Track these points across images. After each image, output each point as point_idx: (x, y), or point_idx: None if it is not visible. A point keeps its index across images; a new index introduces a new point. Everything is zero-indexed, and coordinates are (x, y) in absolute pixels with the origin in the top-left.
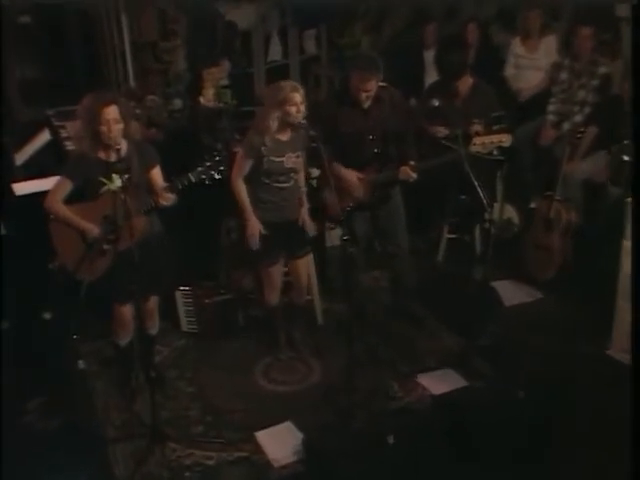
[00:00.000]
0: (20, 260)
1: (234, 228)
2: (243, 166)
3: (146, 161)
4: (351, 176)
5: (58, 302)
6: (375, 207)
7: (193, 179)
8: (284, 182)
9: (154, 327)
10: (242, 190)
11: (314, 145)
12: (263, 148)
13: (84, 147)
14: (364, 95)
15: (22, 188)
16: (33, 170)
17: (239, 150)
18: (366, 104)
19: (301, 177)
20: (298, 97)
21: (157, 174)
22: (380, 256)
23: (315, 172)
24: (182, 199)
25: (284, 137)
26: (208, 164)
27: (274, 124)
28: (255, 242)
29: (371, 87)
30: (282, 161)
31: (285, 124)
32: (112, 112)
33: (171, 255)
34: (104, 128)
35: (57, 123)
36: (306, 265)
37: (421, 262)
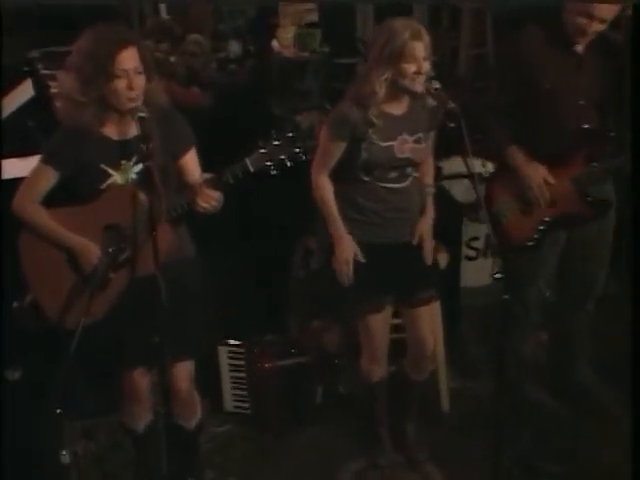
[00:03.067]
0: None
1: (313, 252)
2: (330, 153)
3: (177, 140)
4: (539, 173)
5: (32, 357)
6: (577, 224)
7: (252, 168)
8: (395, 181)
9: (190, 414)
10: (328, 192)
11: (451, 125)
12: (363, 126)
13: (80, 116)
14: (590, 28)
15: None
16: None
17: (324, 128)
18: (582, 45)
19: (424, 174)
20: (421, 48)
21: (193, 161)
22: (555, 308)
23: (450, 166)
24: (232, 201)
25: (397, 110)
26: (276, 143)
27: (381, 90)
28: (347, 274)
29: (606, 13)
30: (392, 147)
31: (399, 90)
32: (131, 58)
33: (212, 291)
34: (117, 85)
35: (45, 71)
36: (429, 317)
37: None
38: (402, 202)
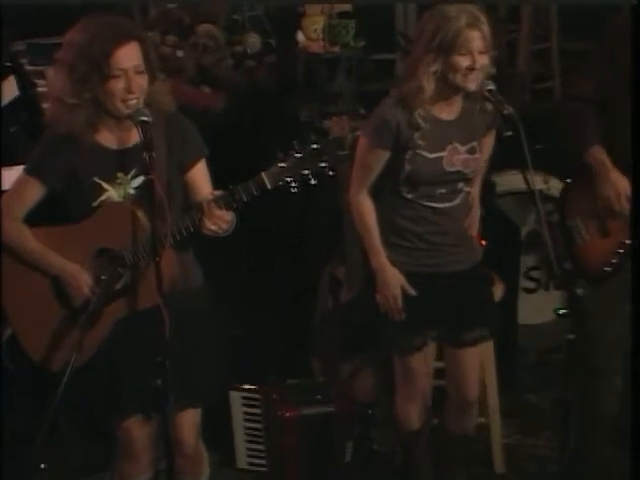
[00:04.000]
0: None
1: (343, 281)
2: (370, 166)
3: (185, 150)
4: (622, 183)
5: (12, 401)
6: None
7: (269, 184)
8: (444, 199)
9: (196, 471)
10: (368, 214)
11: (508, 134)
12: (408, 130)
13: (71, 120)
14: None
15: None
16: None
17: (362, 136)
18: None
19: (476, 191)
20: (478, 38)
21: (202, 175)
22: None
23: (506, 181)
24: (246, 222)
25: (448, 114)
26: (298, 156)
27: (429, 87)
28: (397, 310)
29: None
30: (441, 159)
31: (450, 88)
32: (130, 56)
33: (223, 326)
34: (113, 86)
35: (31, 67)
36: (476, 360)
37: None
38: (451, 224)
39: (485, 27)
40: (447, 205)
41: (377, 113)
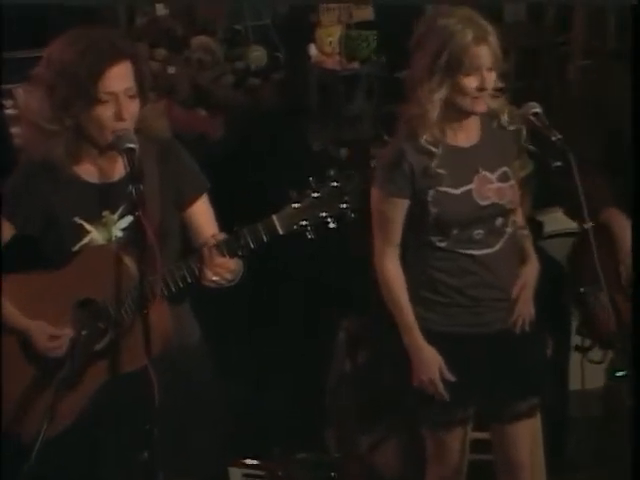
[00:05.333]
0: None
1: (362, 338)
2: (389, 220)
3: (181, 185)
4: None
5: None
6: None
7: (281, 229)
8: (483, 243)
9: None
10: (396, 280)
11: (557, 165)
12: (420, 162)
13: (48, 150)
14: None
15: None
16: None
17: (373, 187)
18: None
19: (518, 225)
20: (487, 54)
21: (203, 213)
22: None
23: (554, 220)
24: (250, 268)
25: (465, 140)
26: (316, 196)
27: (434, 112)
28: (439, 389)
29: None
30: (470, 192)
31: (458, 113)
32: (122, 77)
33: (222, 391)
34: (101, 112)
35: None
36: (528, 436)
37: None
38: (495, 274)
39: (493, 39)
40: (488, 251)
41: (384, 156)
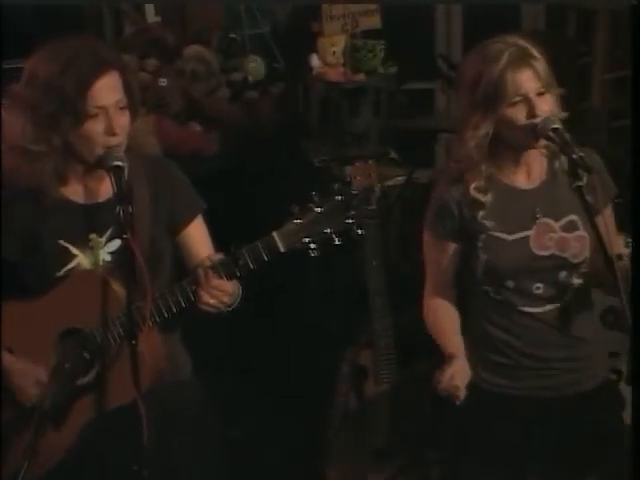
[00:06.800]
0: None
1: (369, 370)
2: (438, 264)
3: (175, 206)
4: None
5: None
6: None
7: (282, 247)
8: (544, 300)
9: None
10: (441, 317)
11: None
12: (468, 210)
13: (32, 173)
14: None
15: None
16: None
17: (424, 227)
18: None
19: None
20: (530, 78)
21: (198, 235)
22: None
23: None
24: (246, 293)
25: (525, 181)
26: (319, 211)
27: (481, 152)
28: (456, 398)
29: None
30: (527, 240)
31: (511, 150)
32: (111, 89)
33: (216, 429)
34: (91, 128)
35: None
36: None
37: None
38: (561, 333)
39: (538, 61)
40: (550, 308)
41: (434, 196)
